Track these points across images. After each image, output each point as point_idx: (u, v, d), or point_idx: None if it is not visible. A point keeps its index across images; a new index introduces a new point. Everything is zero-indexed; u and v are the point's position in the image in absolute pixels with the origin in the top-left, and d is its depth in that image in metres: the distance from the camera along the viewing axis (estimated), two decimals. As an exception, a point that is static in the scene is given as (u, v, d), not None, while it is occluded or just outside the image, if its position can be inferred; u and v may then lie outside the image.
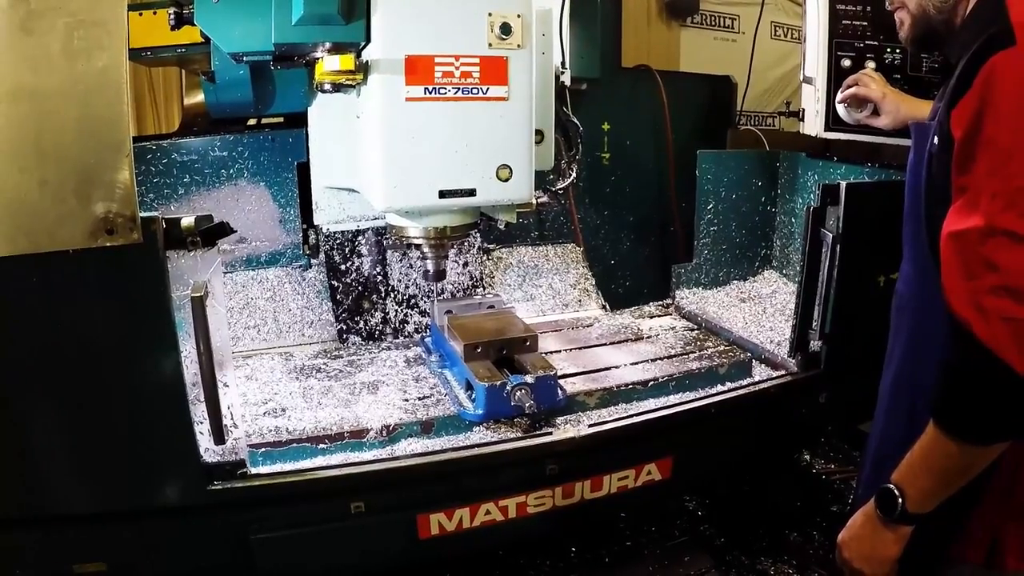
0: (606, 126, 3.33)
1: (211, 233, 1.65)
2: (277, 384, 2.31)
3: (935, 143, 1.49)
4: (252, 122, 2.75)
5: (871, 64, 2.55)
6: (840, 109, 2.49)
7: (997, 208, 1.28)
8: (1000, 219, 1.28)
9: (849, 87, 2.41)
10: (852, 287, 2.30)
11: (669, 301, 3.18)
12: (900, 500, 1.45)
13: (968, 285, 1.31)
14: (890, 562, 1.51)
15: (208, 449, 1.77)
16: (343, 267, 2.72)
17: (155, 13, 2.48)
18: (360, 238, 2.71)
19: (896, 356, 1.77)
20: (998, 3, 1.38)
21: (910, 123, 1.77)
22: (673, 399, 2.31)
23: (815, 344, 2.41)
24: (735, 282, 3.24)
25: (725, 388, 2.38)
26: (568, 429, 2.10)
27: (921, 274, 1.63)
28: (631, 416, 2.18)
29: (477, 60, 1.83)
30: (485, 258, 3.05)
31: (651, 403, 2.28)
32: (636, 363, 2.47)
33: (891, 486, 1.47)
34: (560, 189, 2.45)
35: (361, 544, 2.03)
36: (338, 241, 2.70)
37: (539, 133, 2.18)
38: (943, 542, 1.59)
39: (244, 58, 1.98)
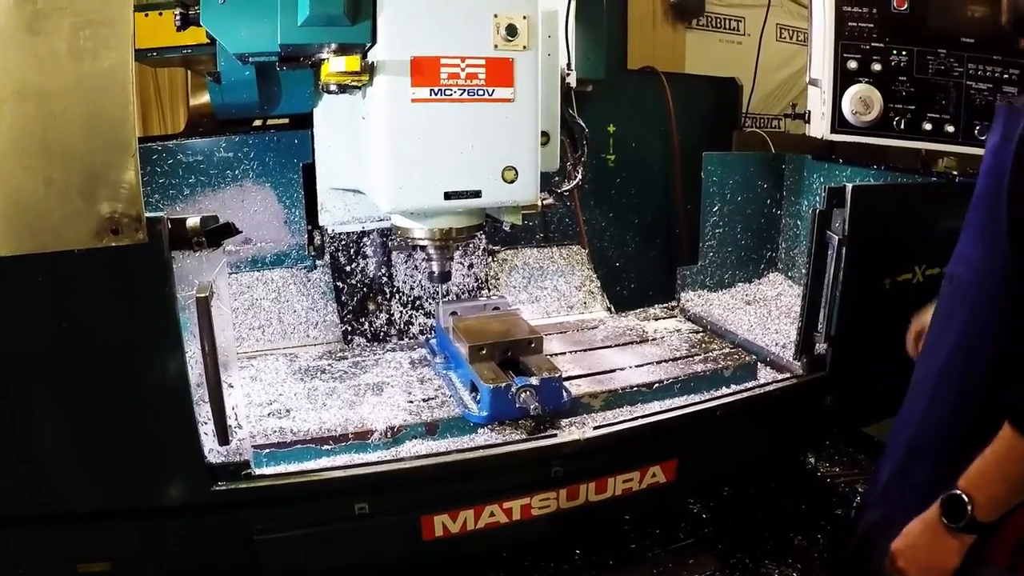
0: (611, 128, 3.32)
1: (216, 233, 1.66)
2: (282, 385, 2.31)
3: None
4: (257, 123, 2.74)
5: (876, 67, 2.53)
6: (846, 111, 2.47)
7: None
8: None
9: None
10: (858, 290, 2.29)
11: (674, 303, 3.17)
12: (969, 508, 1.37)
13: None
14: (949, 572, 1.43)
15: (212, 450, 1.77)
16: (348, 268, 2.72)
17: (161, 14, 2.48)
18: (365, 239, 2.71)
19: (948, 342, 1.64)
20: None
21: (997, 104, 1.65)
22: (678, 401, 2.30)
23: (820, 347, 2.40)
24: (740, 284, 3.23)
25: (730, 391, 2.37)
26: (573, 431, 2.10)
27: (989, 260, 1.52)
28: (636, 418, 2.18)
29: (483, 61, 1.83)
30: (490, 260, 3.04)
31: (656, 405, 2.28)
32: (641, 365, 2.47)
33: (959, 492, 1.39)
34: (565, 191, 2.46)
35: (365, 545, 2.02)
36: (343, 242, 2.70)
37: (545, 135, 2.18)
38: (978, 546, 1.50)
39: (250, 59, 1.98)
